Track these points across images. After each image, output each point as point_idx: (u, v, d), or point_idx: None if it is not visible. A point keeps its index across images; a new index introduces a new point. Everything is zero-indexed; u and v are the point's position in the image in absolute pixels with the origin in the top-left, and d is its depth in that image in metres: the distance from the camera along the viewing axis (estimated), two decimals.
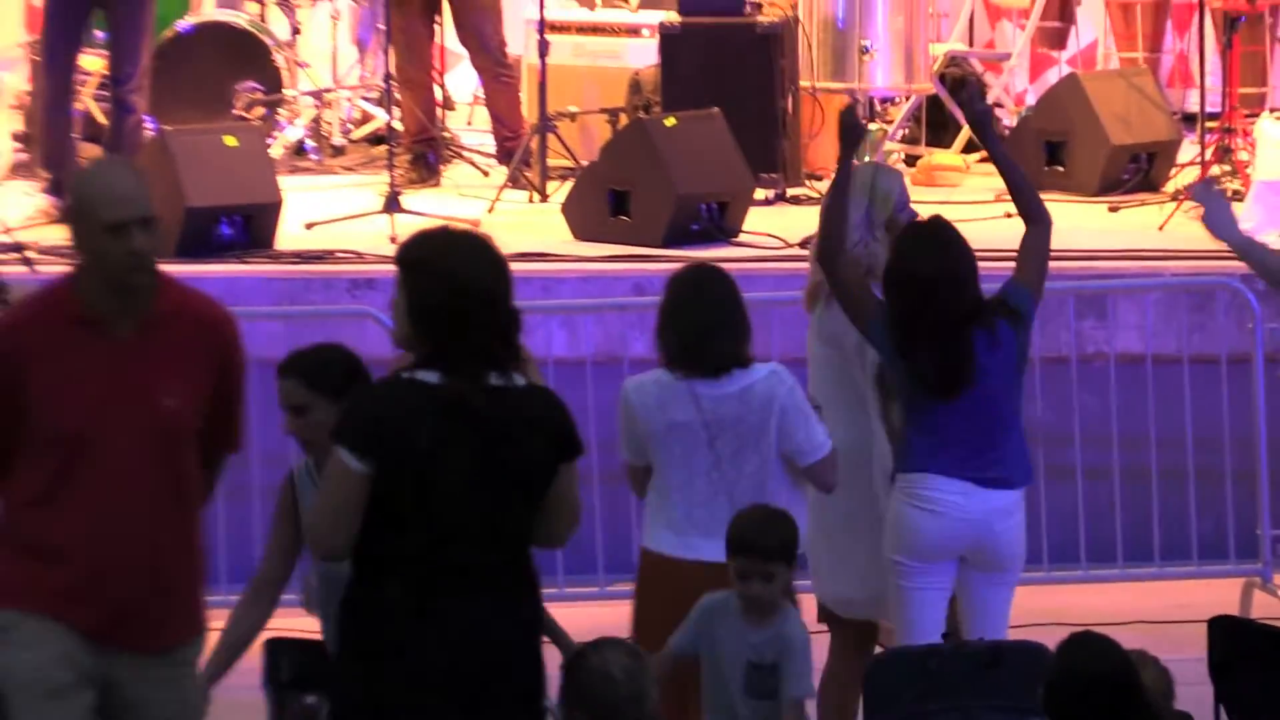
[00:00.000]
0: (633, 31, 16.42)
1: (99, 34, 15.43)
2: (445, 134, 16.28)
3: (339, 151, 16.48)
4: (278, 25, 16.34)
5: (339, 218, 14.85)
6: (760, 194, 14.54)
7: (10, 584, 7.94)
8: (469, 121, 16.56)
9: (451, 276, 8.75)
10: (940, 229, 10.80)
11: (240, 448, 8.46)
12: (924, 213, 14.00)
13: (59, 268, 14.08)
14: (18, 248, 14.02)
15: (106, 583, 7.93)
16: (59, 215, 14.61)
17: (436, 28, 16.26)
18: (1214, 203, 10.67)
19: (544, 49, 15.23)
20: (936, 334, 10.41)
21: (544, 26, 15.28)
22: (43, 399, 7.87)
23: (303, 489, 9.68)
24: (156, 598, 8.02)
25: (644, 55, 16.11)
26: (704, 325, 10.20)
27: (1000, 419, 10.59)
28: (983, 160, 15.66)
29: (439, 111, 16.41)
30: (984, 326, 10.44)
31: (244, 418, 8.46)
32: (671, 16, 16.01)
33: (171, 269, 14.09)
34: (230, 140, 14.92)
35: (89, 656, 7.94)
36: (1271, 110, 16.17)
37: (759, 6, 16.08)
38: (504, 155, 15.87)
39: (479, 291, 8.72)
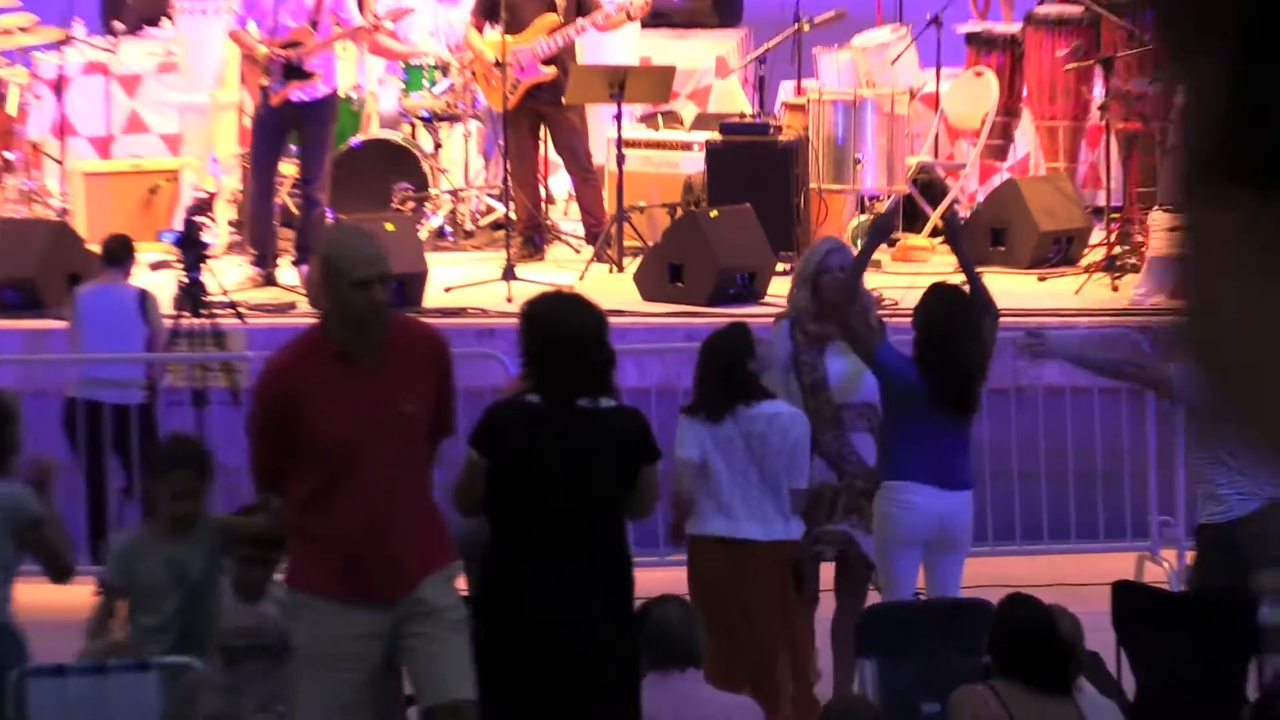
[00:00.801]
0: (686, 146, 16.13)
1: (293, 147, 15.58)
2: (547, 222, 15.99)
3: (469, 235, 16.21)
4: (424, 141, 16.17)
5: (469, 284, 14.83)
6: (780, 267, 14.41)
7: (300, 570, 8.09)
8: (565, 213, 16.31)
9: (549, 326, 8.93)
10: (959, 295, 10.82)
11: (455, 431, 8.48)
12: (900, 282, 14.23)
13: (264, 319, 14.31)
14: (233, 305, 13.79)
15: (372, 554, 8.05)
16: (278, 278, 14.86)
17: (540, 143, 15.99)
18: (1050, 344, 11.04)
19: (620, 160, 15.09)
20: (959, 367, 10.54)
21: (621, 143, 15.15)
22: (313, 420, 7.94)
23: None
24: (408, 554, 8.11)
25: (695, 164, 15.85)
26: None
27: (963, 437, 10.69)
28: (943, 242, 15.82)
29: (543, 205, 16.08)
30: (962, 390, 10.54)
31: (455, 410, 8.46)
32: (715, 135, 15.93)
33: None
34: (389, 225, 14.88)
35: (370, 617, 8.05)
36: (1161, 204, 16.21)
37: (779, 129, 15.94)
38: (590, 238, 15.70)
39: (569, 337, 8.88)
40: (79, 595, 10.11)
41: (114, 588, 8.66)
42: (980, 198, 16.22)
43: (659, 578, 10.47)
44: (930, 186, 16.18)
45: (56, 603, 10.38)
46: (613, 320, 9.58)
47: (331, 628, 8.06)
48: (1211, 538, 10.50)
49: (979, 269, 14.55)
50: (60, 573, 9.90)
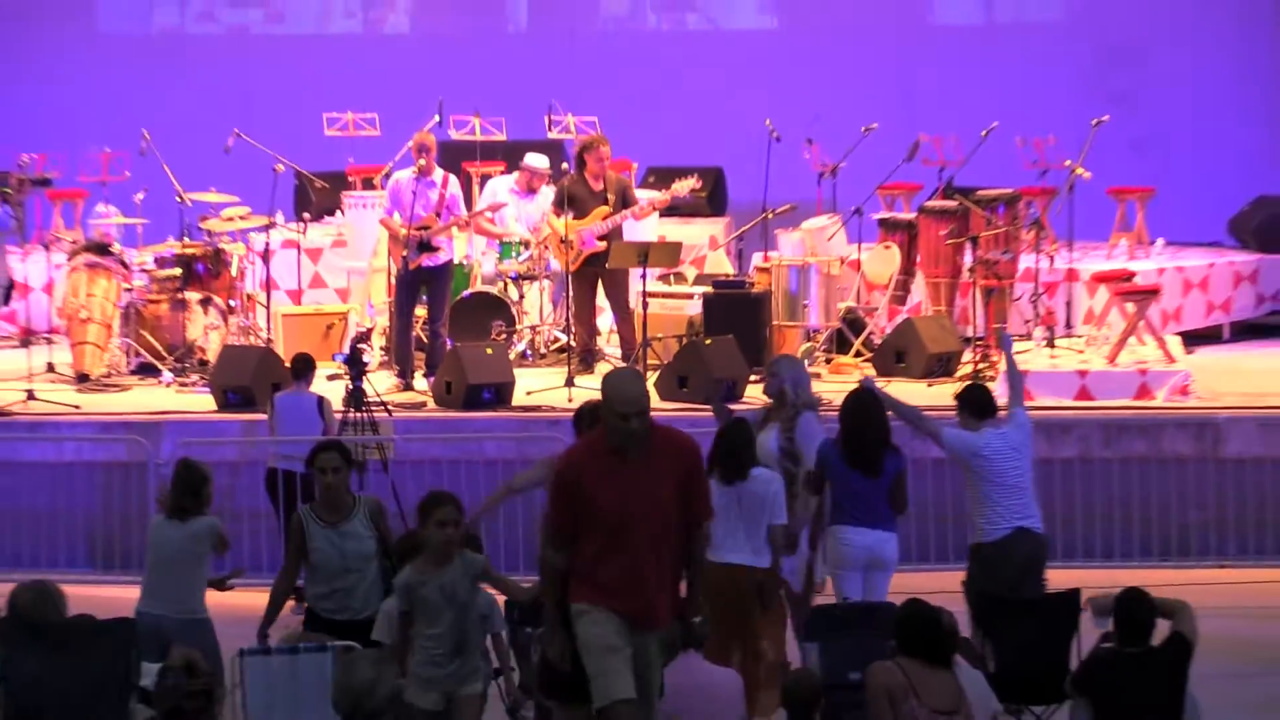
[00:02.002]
0: (689, 296, 16.01)
1: (424, 297, 15.34)
2: (596, 348, 15.79)
3: (542, 356, 16.09)
4: (512, 293, 16.07)
5: (542, 389, 14.74)
6: (752, 377, 14.16)
7: (584, 592, 7.96)
8: (607, 341, 16.11)
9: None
10: (872, 404, 10.50)
11: (710, 516, 8.20)
12: (834, 389, 14.04)
13: (403, 414, 14.20)
14: (383, 404, 13.62)
15: (635, 595, 7.95)
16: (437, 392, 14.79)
17: (595, 293, 15.78)
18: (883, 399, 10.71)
19: (645, 305, 14.89)
20: (869, 447, 10.35)
21: (645, 294, 14.93)
22: (596, 498, 7.88)
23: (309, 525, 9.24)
24: (658, 599, 7.98)
25: (695, 308, 15.77)
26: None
27: (880, 493, 10.30)
28: (866, 360, 15.71)
29: (595, 335, 15.91)
30: (889, 450, 10.45)
31: (707, 496, 8.20)
32: (709, 289, 15.84)
33: (463, 415, 14.02)
34: (489, 350, 14.84)
35: (628, 632, 7.94)
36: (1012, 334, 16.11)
37: (753, 284, 15.86)
38: (625, 358, 15.45)
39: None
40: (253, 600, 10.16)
41: (403, 612, 8.39)
42: (889, 330, 15.92)
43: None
44: (854, 323, 16.12)
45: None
46: None
47: (607, 625, 7.98)
48: (980, 555, 10.45)
49: (888, 379, 14.66)
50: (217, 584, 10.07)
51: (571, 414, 10.33)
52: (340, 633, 8.91)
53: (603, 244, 15.43)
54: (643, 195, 16.02)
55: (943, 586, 10.36)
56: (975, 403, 10.68)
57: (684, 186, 16.02)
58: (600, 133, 15.99)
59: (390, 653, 8.48)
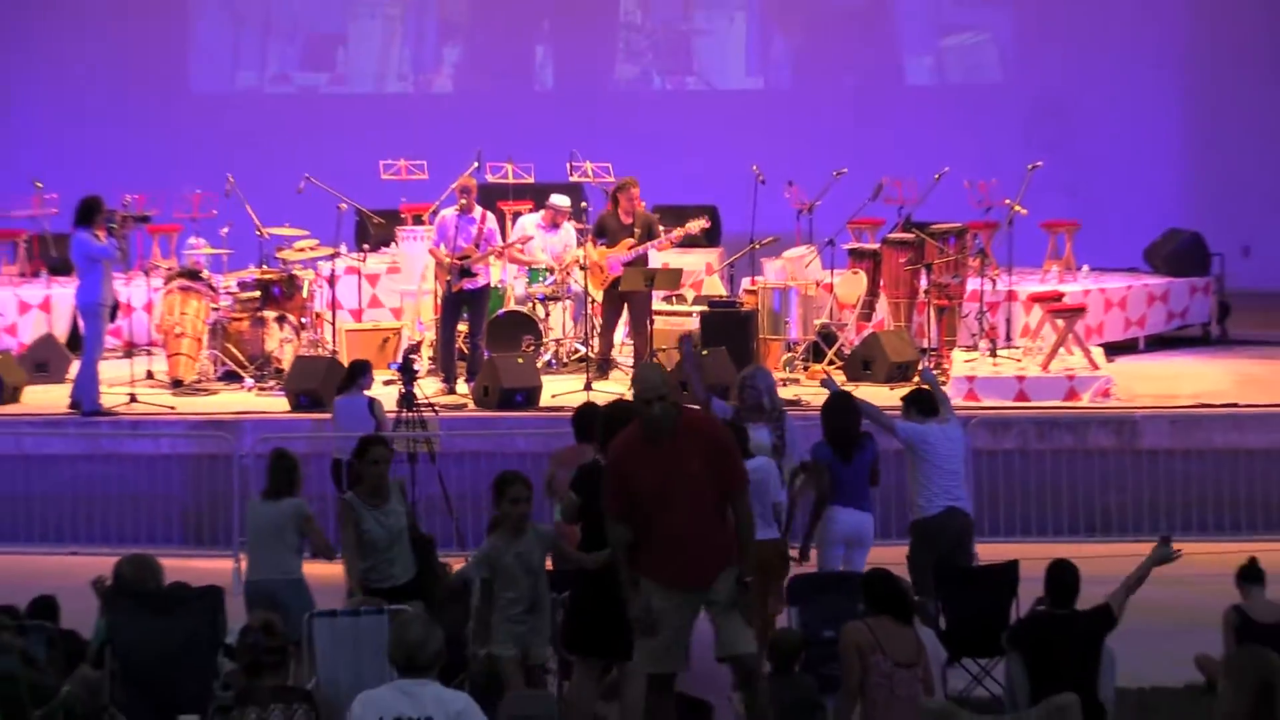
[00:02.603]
0: (688, 314, 16.03)
1: (465, 315, 15.41)
2: (612, 358, 15.79)
3: (564, 365, 16.04)
4: (540, 312, 16.08)
5: (564, 393, 14.68)
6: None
7: (643, 566, 7.98)
8: (619, 351, 16.07)
9: (603, 420, 8.72)
10: (846, 402, 10.61)
11: (741, 486, 8.10)
12: (811, 392, 13.97)
13: (447, 414, 14.15)
14: (430, 405, 13.62)
15: (676, 562, 7.96)
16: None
17: (620, 310, 15.76)
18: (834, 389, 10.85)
19: (651, 322, 15.02)
20: (850, 444, 10.38)
21: (651, 313, 15.05)
22: (636, 481, 7.91)
23: (359, 509, 9.13)
24: (700, 563, 7.98)
25: (694, 324, 15.76)
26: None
27: (862, 483, 10.40)
28: (838, 369, 15.48)
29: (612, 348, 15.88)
30: (864, 438, 10.45)
31: (737, 470, 8.10)
32: (705, 308, 15.84)
33: (498, 415, 13.97)
34: (520, 359, 14.83)
35: (682, 594, 7.97)
36: (960, 346, 16.09)
37: (742, 304, 15.84)
38: (638, 365, 15.48)
39: (615, 426, 8.64)
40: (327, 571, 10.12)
41: (484, 580, 8.41)
42: (857, 343, 15.86)
43: None
44: (828, 337, 16.06)
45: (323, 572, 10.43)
46: None
47: (655, 599, 7.96)
48: (919, 529, 10.51)
49: (857, 383, 14.62)
50: (323, 553, 10.03)
51: (572, 415, 10.47)
52: (388, 599, 8.87)
53: (626, 268, 15.45)
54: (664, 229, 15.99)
55: (895, 559, 10.35)
56: (921, 403, 10.77)
57: (696, 225, 16.00)
58: (632, 178, 15.87)
59: (441, 613, 8.51)
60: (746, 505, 8.13)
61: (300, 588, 9.74)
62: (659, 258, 15.99)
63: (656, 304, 15.84)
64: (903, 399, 10.87)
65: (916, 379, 14.35)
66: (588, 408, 10.54)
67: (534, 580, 8.39)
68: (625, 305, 15.61)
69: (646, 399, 7.99)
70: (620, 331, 16.10)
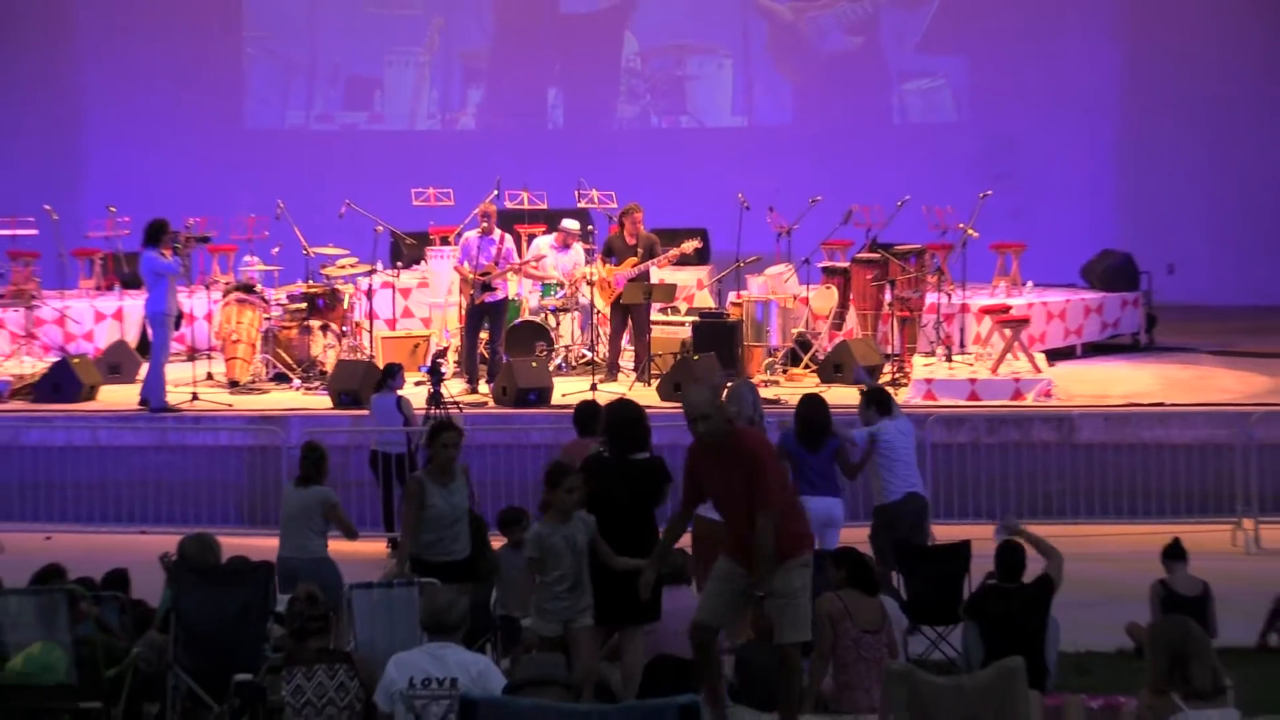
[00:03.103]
0: (681, 324, 15.91)
1: (486, 324, 15.37)
2: (620, 361, 15.74)
3: (573, 368, 16.02)
4: (551, 321, 16.05)
5: (573, 393, 14.43)
6: (729, 384, 14.07)
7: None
8: (621, 356, 15.94)
9: (606, 416, 8.74)
10: (818, 400, 10.60)
11: (763, 507, 7.87)
12: (789, 391, 13.93)
13: (471, 410, 14.08)
14: (455, 403, 13.59)
15: (731, 542, 8.04)
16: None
17: (625, 320, 15.71)
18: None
19: (649, 330, 14.95)
20: (818, 435, 10.35)
21: (650, 323, 14.99)
22: (700, 479, 8.06)
23: (428, 486, 8.91)
24: (744, 550, 7.96)
25: (686, 332, 15.69)
26: None
27: (830, 471, 10.41)
28: (812, 372, 15.59)
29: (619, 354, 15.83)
30: (831, 436, 10.42)
31: (763, 492, 7.90)
32: (697, 318, 15.80)
33: (515, 411, 13.87)
34: (534, 363, 14.87)
35: (731, 564, 8.01)
36: (920, 353, 16.06)
37: (728, 315, 15.77)
38: (638, 368, 15.44)
39: (618, 421, 8.67)
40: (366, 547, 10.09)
41: (534, 559, 8.26)
42: (828, 350, 15.84)
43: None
44: (804, 344, 16.02)
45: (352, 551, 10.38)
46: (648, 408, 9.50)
47: (721, 565, 8.07)
48: (881, 513, 10.56)
49: (829, 385, 14.56)
50: (348, 534, 10.06)
51: (573, 411, 10.45)
52: (444, 573, 8.72)
53: (628, 284, 15.42)
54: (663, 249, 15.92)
55: (860, 539, 10.38)
56: (880, 401, 10.85)
57: (690, 245, 15.96)
58: (636, 204, 15.86)
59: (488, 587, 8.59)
60: (764, 524, 7.92)
61: (324, 565, 9.73)
62: (657, 274, 15.93)
63: (654, 315, 15.81)
64: (862, 396, 10.92)
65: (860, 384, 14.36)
66: (587, 406, 10.52)
67: (577, 560, 8.31)
68: (629, 316, 15.59)
69: (691, 418, 8.00)
70: (623, 339, 16.06)
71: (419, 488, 8.88)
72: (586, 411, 10.26)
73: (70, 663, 7.89)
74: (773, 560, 7.95)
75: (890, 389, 14.82)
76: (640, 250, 15.52)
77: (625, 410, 9.13)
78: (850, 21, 21.78)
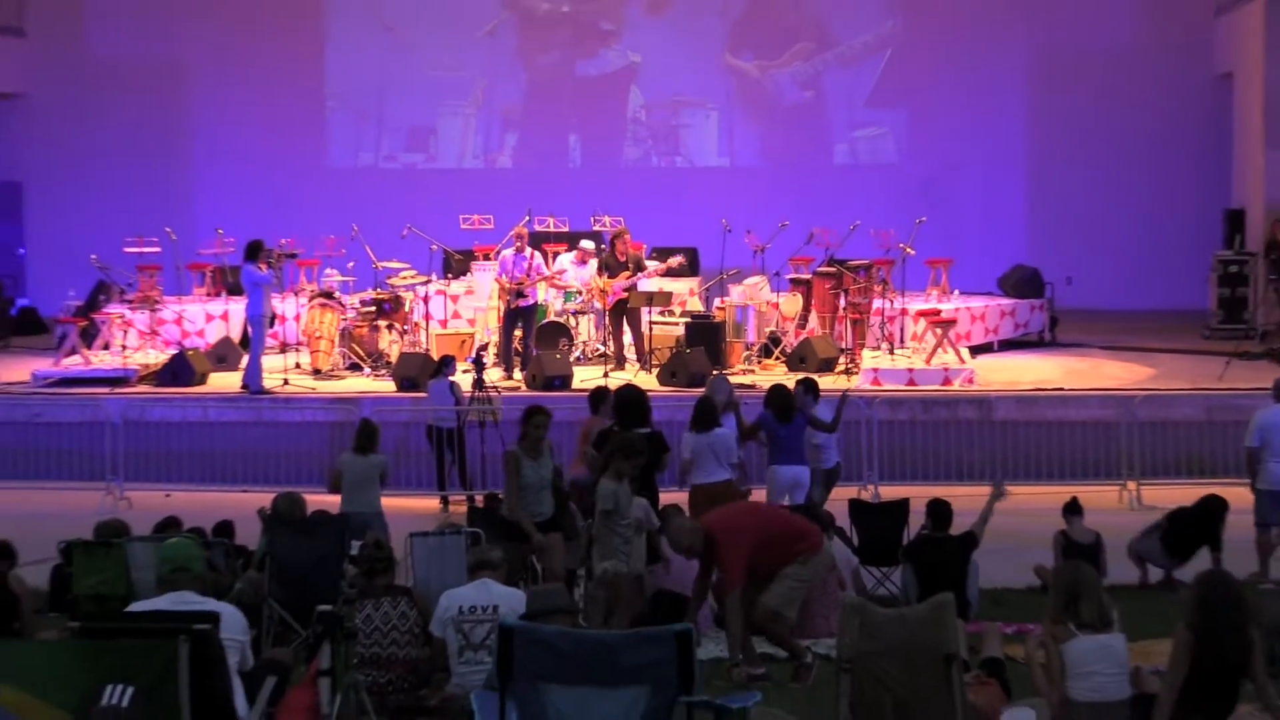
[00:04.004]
0: (676, 324, 15.84)
1: (520, 324, 15.41)
2: (624, 354, 15.60)
3: (589, 359, 15.93)
4: (572, 322, 15.95)
5: (589, 379, 14.43)
6: (714, 371, 13.88)
7: None
8: (626, 350, 15.86)
9: (615, 398, 8.69)
10: (784, 387, 10.58)
11: (725, 591, 7.65)
12: (765, 380, 13.79)
13: (507, 393, 13.95)
14: (495, 387, 13.56)
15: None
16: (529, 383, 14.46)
17: (624, 322, 15.52)
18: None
19: (651, 329, 14.79)
20: (788, 409, 10.26)
21: (651, 324, 14.90)
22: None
23: (522, 460, 8.72)
24: None
25: (680, 330, 15.58)
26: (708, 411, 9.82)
27: (798, 442, 10.35)
28: (781, 362, 15.56)
29: (623, 349, 15.72)
30: (799, 411, 10.35)
31: (725, 574, 7.53)
32: (689, 319, 15.75)
33: (543, 394, 13.83)
34: (557, 355, 14.82)
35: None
36: (868, 347, 16.01)
37: (714, 317, 15.78)
38: (640, 359, 15.34)
39: (624, 402, 8.63)
40: (421, 504, 10.07)
41: (605, 511, 8.05)
42: (794, 345, 15.82)
43: (677, 498, 9.93)
44: (775, 340, 16.05)
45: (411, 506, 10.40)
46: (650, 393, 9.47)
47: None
48: (826, 476, 10.57)
49: (796, 373, 14.49)
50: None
51: (589, 395, 10.43)
52: (538, 529, 8.66)
53: (626, 293, 15.35)
54: (650, 264, 15.84)
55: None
56: (814, 388, 10.83)
57: (675, 260, 15.94)
58: (624, 228, 15.88)
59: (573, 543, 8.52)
60: (730, 603, 7.61)
61: (378, 518, 9.72)
62: (649, 284, 15.88)
63: (654, 316, 15.73)
64: (798, 384, 10.83)
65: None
66: (598, 390, 10.53)
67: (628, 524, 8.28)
68: (625, 318, 15.53)
69: (684, 547, 7.77)
70: (628, 336, 15.99)
71: (515, 461, 8.71)
72: (598, 394, 10.28)
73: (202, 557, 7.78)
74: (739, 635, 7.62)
75: (844, 375, 14.88)
76: (630, 266, 15.47)
77: (630, 393, 9.18)
78: (802, 78, 21.70)
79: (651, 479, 8.76)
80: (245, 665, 5.92)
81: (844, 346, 15.68)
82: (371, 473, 9.83)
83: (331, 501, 10.12)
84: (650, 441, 8.69)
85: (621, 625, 7.69)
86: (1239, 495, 10.44)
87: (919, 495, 10.02)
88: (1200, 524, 9.63)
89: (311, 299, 16.12)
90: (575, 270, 16.23)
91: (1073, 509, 9.68)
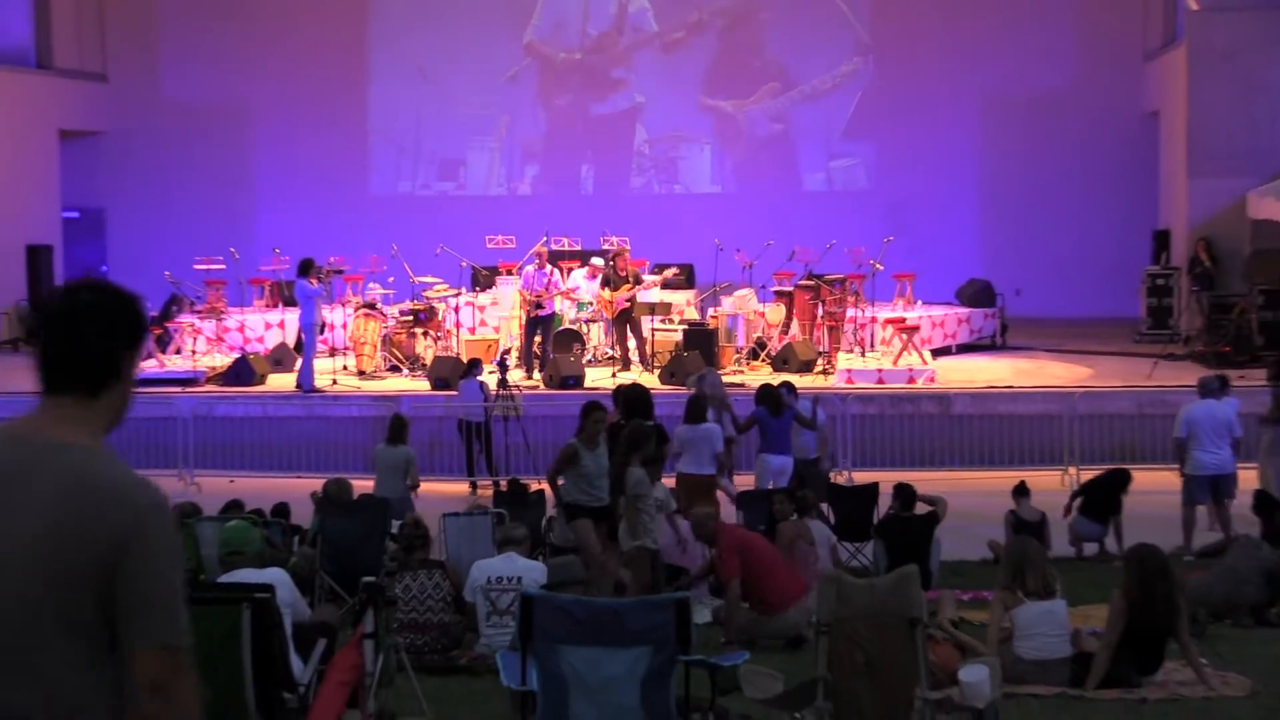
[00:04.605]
0: (675, 330, 15.70)
1: (539, 331, 15.37)
2: (629, 358, 15.48)
3: (599, 361, 15.82)
4: (584, 329, 15.88)
5: (599, 380, 14.43)
6: (704, 369, 13.98)
7: None
8: (631, 354, 15.73)
9: (628, 393, 8.62)
10: (772, 386, 10.51)
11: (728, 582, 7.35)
12: (754, 380, 13.82)
13: (528, 391, 13.91)
14: (517, 386, 13.48)
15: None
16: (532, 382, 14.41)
17: (628, 330, 15.42)
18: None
19: (653, 335, 14.71)
20: (780, 405, 10.20)
21: (654, 330, 14.85)
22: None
23: (581, 450, 8.40)
24: None
25: (679, 336, 15.42)
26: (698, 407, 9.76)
27: (785, 433, 10.28)
28: (767, 363, 15.53)
29: (628, 353, 15.59)
30: (788, 409, 10.30)
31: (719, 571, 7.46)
32: (687, 325, 15.63)
33: (558, 393, 13.72)
34: (572, 358, 14.82)
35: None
36: (843, 351, 15.97)
37: (708, 324, 15.68)
38: (643, 362, 15.26)
39: (629, 398, 8.56)
40: (452, 488, 10.03)
41: (638, 495, 7.93)
42: (778, 349, 15.78)
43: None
44: (761, 344, 15.97)
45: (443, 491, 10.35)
46: (650, 388, 9.41)
47: None
48: (800, 466, 10.39)
49: (779, 373, 14.43)
50: (413, 485, 9.99)
51: (611, 392, 10.40)
52: (594, 514, 8.29)
53: (628, 304, 15.30)
54: (648, 278, 15.76)
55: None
56: (790, 387, 10.83)
57: (670, 273, 15.95)
58: (624, 247, 15.82)
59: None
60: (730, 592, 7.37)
61: (406, 502, 9.71)
62: (649, 295, 15.81)
63: (656, 324, 15.66)
64: (757, 391, 10.74)
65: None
66: (625, 387, 10.44)
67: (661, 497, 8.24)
68: (628, 326, 15.47)
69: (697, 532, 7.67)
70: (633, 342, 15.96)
71: (574, 452, 8.42)
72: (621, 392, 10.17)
73: (259, 537, 7.71)
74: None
75: (821, 375, 14.82)
76: (630, 280, 15.42)
77: (634, 390, 9.13)
78: (776, 112, 21.65)
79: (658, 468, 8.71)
80: (301, 616, 5.93)
81: (821, 350, 15.65)
82: (399, 462, 9.83)
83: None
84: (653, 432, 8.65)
85: (634, 594, 7.68)
86: (1167, 480, 10.44)
87: (887, 480, 10.01)
88: (1109, 490, 9.70)
89: (357, 309, 16.10)
90: (587, 285, 16.17)
91: (1021, 491, 9.68)
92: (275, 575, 6.01)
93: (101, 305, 2.22)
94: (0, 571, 2.12)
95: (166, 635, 2.11)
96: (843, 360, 15.51)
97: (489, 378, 13.83)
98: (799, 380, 14.00)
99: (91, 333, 2.19)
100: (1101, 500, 9.73)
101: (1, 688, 2.11)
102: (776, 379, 11.29)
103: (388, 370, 15.73)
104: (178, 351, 16.48)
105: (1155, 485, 10.78)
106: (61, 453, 2.19)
